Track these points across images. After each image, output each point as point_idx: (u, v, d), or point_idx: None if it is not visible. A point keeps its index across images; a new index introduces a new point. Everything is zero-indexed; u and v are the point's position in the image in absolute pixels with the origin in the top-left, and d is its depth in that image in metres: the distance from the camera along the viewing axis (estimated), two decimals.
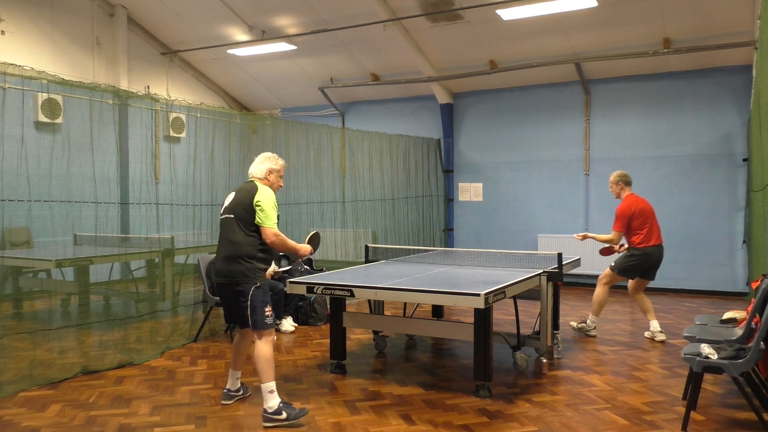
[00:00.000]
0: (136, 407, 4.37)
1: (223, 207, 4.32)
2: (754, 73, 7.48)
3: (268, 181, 4.33)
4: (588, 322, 6.59)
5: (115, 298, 8.05)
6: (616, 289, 9.53)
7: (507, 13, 8.37)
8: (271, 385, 4.04)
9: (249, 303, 4.07)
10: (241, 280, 4.10)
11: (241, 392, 4.51)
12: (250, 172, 4.39)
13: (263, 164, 4.36)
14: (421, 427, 3.97)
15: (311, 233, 4.72)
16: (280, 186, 4.45)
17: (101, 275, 7.87)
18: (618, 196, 6.54)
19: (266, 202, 4.12)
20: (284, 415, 3.98)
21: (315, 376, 5.11)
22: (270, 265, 4.51)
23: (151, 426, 4.01)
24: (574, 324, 6.71)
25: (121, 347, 5.86)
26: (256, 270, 4.13)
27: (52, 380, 4.92)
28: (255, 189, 4.18)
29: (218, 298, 6.19)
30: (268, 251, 4.25)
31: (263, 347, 4.09)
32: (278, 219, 4.24)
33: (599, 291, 6.54)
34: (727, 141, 9.00)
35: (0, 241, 7.18)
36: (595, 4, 7.95)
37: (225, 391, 4.46)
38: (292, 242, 4.35)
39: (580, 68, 9.55)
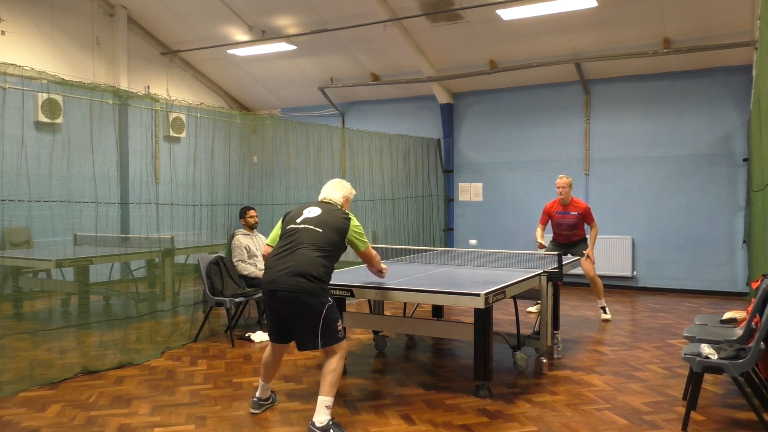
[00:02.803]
0: (136, 407, 4.37)
1: (302, 217, 4.17)
2: (754, 73, 7.48)
3: (348, 203, 4.46)
4: (607, 308, 7.43)
5: (115, 298, 8.04)
6: (615, 288, 9.56)
7: (507, 13, 8.37)
8: (330, 400, 3.87)
9: (321, 321, 3.89)
10: (312, 298, 3.90)
11: (270, 401, 4.37)
12: (327, 195, 4.37)
13: (342, 190, 4.41)
14: (421, 427, 3.97)
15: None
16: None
17: (101, 275, 7.87)
18: (565, 198, 7.34)
19: (360, 226, 4.27)
20: None
21: (315, 376, 5.11)
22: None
23: (151, 426, 4.01)
24: (608, 316, 7.37)
25: (121, 347, 5.86)
26: (327, 288, 4.06)
27: (52, 380, 4.92)
28: (343, 214, 4.21)
29: (218, 298, 6.21)
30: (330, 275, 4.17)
31: (337, 361, 3.96)
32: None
33: (598, 280, 7.35)
34: (727, 141, 9.00)
35: (0, 241, 7.18)
36: (595, 4, 7.95)
37: (255, 400, 4.29)
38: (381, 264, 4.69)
39: (580, 68, 9.55)
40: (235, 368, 5.36)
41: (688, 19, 8.27)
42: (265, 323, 6.72)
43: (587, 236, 7.49)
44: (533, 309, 7.49)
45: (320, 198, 4.38)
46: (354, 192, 4.54)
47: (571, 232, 7.37)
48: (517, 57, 9.77)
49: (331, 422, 3.81)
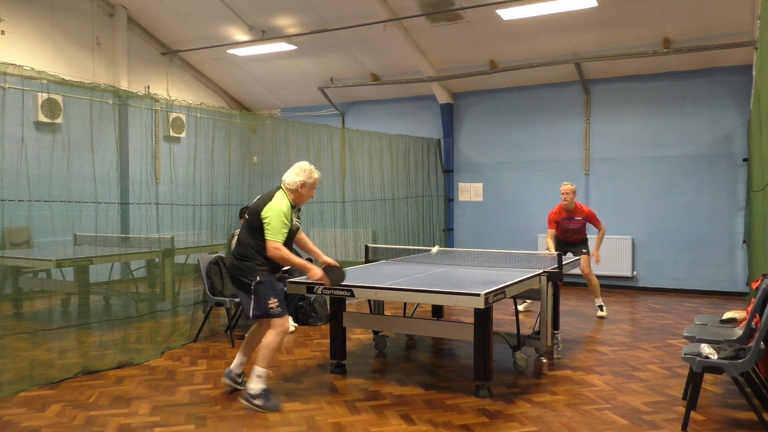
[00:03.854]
0: (136, 407, 4.37)
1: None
2: (754, 73, 7.48)
3: (298, 193, 4.47)
4: (604, 307, 7.65)
5: (115, 298, 8.05)
6: (615, 288, 9.56)
7: (507, 13, 8.37)
8: (263, 371, 4.31)
9: (252, 294, 4.36)
10: (245, 275, 4.38)
11: (240, 380, 4.64)
12: (283, 178, 4.50)
13: (298, 176, 4.46)
14: (421, 427, 3.97)
15: (331, 262, 4.70)
16: (311, 197, 4.61)
17: (101, 275, 7.87)
18: (569, 204, 7.51)
19: (274, 216, 4.30)
20: (260, 402, 4.24)
21: (315, 376, 5.11)
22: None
23: (151, 426, 4.01)
24: (603, 314, 7.60)
25: (121, 347, 5.86)
26: (256, 267, 4.38)
27: (52, 380, 4.92)
28: (270, 199, 4.37)
29: (218, 298, 6.22)
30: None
31: (271, 336, 4.37)
32: (287, 231, 4.37)
33: (593, 278, 7.63)
34: (727, 141, 9.00)
35: (0, 241, 7.18)
36: (595, 4, 7.95)
37: (227, 371, 4.69)
38: (297, 259, 4.47)
39: (580, 68, 9.55)
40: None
41: (688, 19, 8.27)
42: None
43: (587, 237, 7.71)
44: (521, 308, 7.65)
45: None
46: (317, 176, 4.52)
47: (576, 236, 7.58)
48: (517, 57, 9.77)
49: (263, 391, 4.27)
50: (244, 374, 4.67)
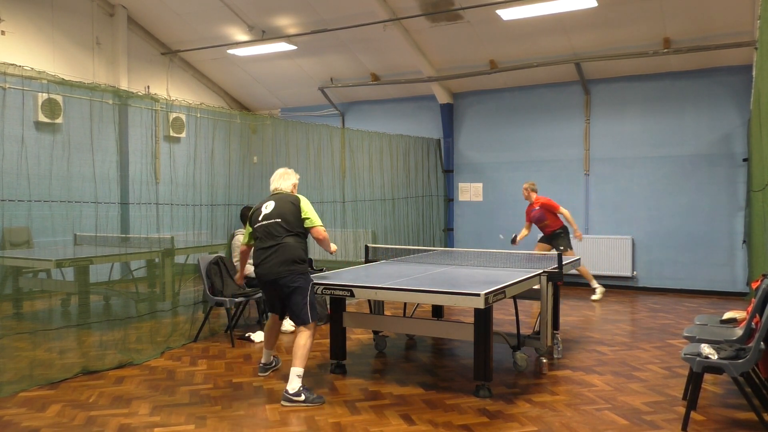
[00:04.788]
0: (136, 407, 4.37)
1: (262, 215, 4.76)
2: (754, 73, 7.48)
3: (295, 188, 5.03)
4: (598, 289, 8.79)
5: (115, 298, 8.04)
6: (615, 288, 9.56)
7: (507, 13, 8.36)
8: (301, 371, 4.52)
9: (308, 299, 4.62)
10: (297, 279, 4.63)
11: (273, 364, 5.21)
12: (278, 186, 4.94)
13: (289, 179, 5.00)
14: (421, 427, 3.97)
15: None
16: None
17: (101, 275, 7.87)
18: (528, 198, 8.73)
19: (310, 208, 4.80)
20: (303, 397, 4.41)
21: (315, 376, 5.11)
22: None
23: (151, 426, 4.02)
24: (597, 297, 8.71)
25: (121, 347, 5.86)
26: (307, 270, 4.75)
27: (52, 380, 4.92)
28: (295, 199, 4.80)
29: (218, 298, 6.22)
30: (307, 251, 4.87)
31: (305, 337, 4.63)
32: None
33: (582, 268, 8.66)
34: (727, 141, 9.00)
35: (0, 241, 7.18)
36: (595, 4, 7.95)
37: (261, 365, 5.16)
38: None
39: (580, 68, 9.55)
40: (235, 368, 5.36)
41: (688, 19, 8.27)
42: (264, 323, 6.72)
43: (560, 232, 8.51)
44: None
45: (272, 189, 4.96)
46: (298, 176, 5.11)
47: (541, 225, 8.64)
48: (517, 57, 9.77)
49: (302, 387, 4.46)
50: (275, 356, 5.26)
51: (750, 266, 8.04)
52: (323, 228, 4.78)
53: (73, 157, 6.19)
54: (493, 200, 10.84)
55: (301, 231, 4.72)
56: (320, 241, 4.81)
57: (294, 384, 4.43)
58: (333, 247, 4.97)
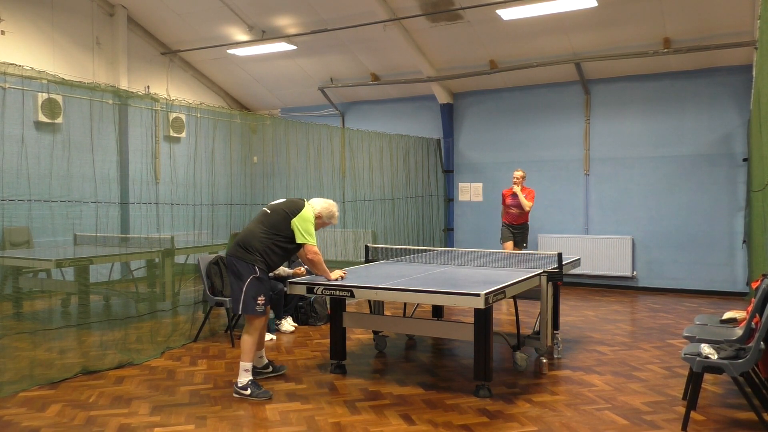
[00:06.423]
0: (136, 407, 4.37)
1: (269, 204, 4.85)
2: (754, 73, 7.48)
3: (320, 219, 4.88)
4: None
5: (115, 298, 8.04)
6: (615, 288, 9.57)
7: (507, 13, 8.36)
8: (248, 365, 4.58)
9: (243, 289, 4.55)
10: (239, 264, 4.58)
11: (270, 369, 5.05)
12: (313, 199, 4.95)
13: (323, 209, 4.89)
14: (421, 427, 3.97)
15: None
16: (322, 226, 4.98)
17: (101, 275, 7.86)
18: (519, 184, 8.61)
19: (309, 223, 4.69)
20: (249, 391, 4.51)
21: (315, 376, 5.11)
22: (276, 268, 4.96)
23: (151, 426, 4.02)
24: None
25: (121, 347, 5.86)
26: (257, 261, 4.59)
27: (52, 380, 4.92)
28: (301, 208, 4.72)
29: (218, 298, 6.22)
30: (280, 257, 4.74)
31: (245, 330, 4.66)
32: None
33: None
34: (727, 141, 9.00)
35: (0, 241, 7.18)
36: (595, 4, 7.95)
37: (254, 370, 4.91)
38: (325, 267, 4.83)
39: (580, 68, 9.55)
40: (235, 368, 5.34)
41: (688, 19, 8.27)
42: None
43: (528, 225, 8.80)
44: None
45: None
46: (333, 221, 4.98)
47: (520, 211, 8.71)
48: (517, 57, 9.76)
49: (250, 381, 4.54)
50: (268, 360, 5.11)
51: (750, 266, 8.04)
52: (315, 247, 4.69)
53: (73, 157, 6.19)
54: (493, 200, 10.81)
55: (280, 235, 4.64)
56: (310, 262, 4.75)
57: (242, 378, 4.57)
58: (334, 273, 4.86)
